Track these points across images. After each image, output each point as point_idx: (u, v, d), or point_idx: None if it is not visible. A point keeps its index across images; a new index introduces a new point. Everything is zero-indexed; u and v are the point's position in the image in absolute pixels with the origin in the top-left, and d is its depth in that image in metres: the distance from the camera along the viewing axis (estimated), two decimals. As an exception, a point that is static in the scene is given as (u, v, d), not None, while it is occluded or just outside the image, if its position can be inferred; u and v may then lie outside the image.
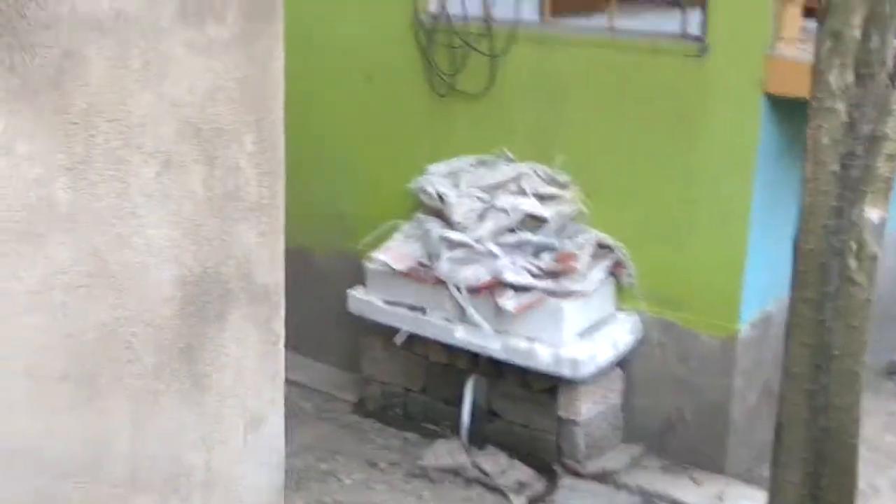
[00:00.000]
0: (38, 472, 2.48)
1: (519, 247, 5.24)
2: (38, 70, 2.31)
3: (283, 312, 2.96)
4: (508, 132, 5.57)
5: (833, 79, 2.84)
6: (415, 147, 5.80)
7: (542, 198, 5.32)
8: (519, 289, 5.13)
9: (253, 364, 2.91)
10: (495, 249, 5.21)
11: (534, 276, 5.16)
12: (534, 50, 5.42)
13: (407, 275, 5.34)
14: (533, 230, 5.28)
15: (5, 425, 2.41)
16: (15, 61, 2.27)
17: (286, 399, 5.80)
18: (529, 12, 5.52)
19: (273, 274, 2.91)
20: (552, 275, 5.16)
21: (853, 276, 2.91)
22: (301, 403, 5.85)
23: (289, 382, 5.97)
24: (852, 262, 2.84)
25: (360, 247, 5.59)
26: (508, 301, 5.10)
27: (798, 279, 3.03)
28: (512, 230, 5.28)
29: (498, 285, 5.14)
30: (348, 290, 5.59)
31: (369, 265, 5.49)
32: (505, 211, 5.24)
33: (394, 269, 5.35)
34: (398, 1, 5.69)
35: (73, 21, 2.35)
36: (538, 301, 5.13)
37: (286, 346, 6.29)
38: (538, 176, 5.40)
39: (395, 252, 5.43)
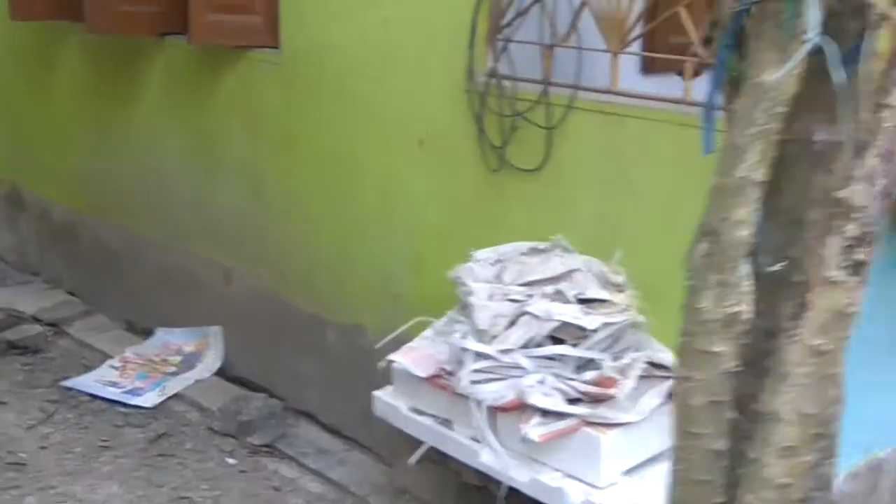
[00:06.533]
0: None
1: (556, 361, 4.35)
2: None
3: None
4: (567, 217, 4.67)
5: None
6: (468, 227, 4.99)
7: (589, 302, 4.40)
8: (549, 413, 4.25)
9: None
10: (525, 363, 4.33)
11: (569, 399, 4.26)
12: (596, 120, 4.51)
13: (429, 381, 4.56)
14: (577, 341, 4.37)
15: None
16: None
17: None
18: (599, 74, 4.60)
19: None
20: (591, 399, 4.25)
21: None
22: (330, 511, 5.18)
23: (326, 480, 5.40)
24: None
25: (379, 346, 4.83)
26: (533, 428, 4.22)
27: None
28: (554, 339, 4.39)
29: (524, 407, 4.27)
30: (374, 392, 4.85)
31: (394, 365, 4.73)
32: (538, 318, 4.35)
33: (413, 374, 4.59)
34: (456, 57, 4.87)
35: None
36: (571, 430, 4.22)
37: (334, 433, 5.67)
38: (592, 274, 4.49)
39: (418, 354, 4.63)
